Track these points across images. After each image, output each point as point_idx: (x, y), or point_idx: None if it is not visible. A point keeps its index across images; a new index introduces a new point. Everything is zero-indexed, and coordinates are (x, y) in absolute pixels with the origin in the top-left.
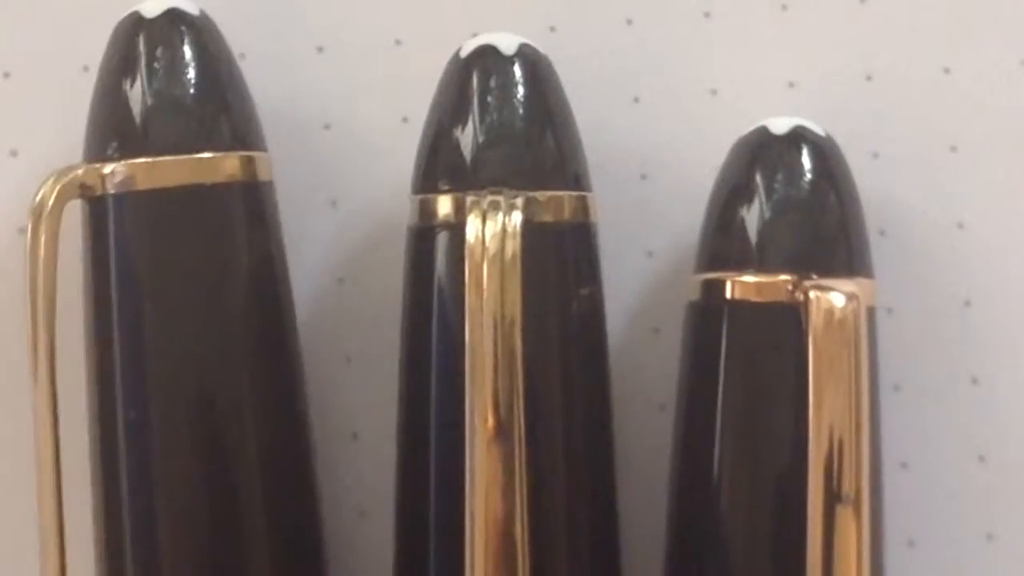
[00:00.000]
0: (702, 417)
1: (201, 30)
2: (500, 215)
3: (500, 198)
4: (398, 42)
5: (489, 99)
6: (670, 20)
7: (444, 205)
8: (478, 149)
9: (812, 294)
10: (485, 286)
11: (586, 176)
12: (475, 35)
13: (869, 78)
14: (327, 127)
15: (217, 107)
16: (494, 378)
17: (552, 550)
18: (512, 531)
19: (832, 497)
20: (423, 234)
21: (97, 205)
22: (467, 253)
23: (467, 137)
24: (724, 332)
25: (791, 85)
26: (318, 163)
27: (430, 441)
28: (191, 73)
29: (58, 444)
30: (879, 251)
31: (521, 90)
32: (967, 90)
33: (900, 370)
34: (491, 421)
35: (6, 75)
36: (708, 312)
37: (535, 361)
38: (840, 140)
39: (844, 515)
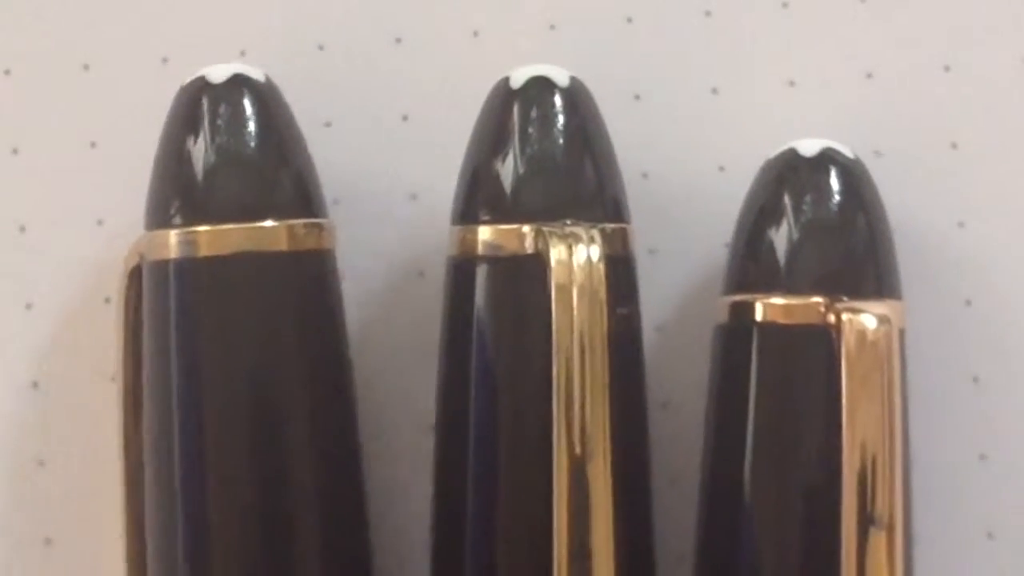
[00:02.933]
0: (732, 439)
1: (266, 97)
2: (582, 246)
3: (580, 230)
4: (398, 40)
5: (531, 130)
6: (670, 19)
7: (492, 236)
8: (521, 180)
9: (845, 316)
10: (575, 315)
11: (627, 208)
12: (475, 33)
13: (870, 76)
14: (328, 124)
15: (281, 175)
16: (581, 408)
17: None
18: (594, 551)
19: (866, 520)
20: (464, 265)
21: (158, 270)
22: (554, 283)
23: (509, 168)
24: (753, 354)
25: (791, 84)
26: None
27: (468, 466)
28: (255, 140)
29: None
30: None
31: (566, 122)
32: (968, 89)
33: None
34: (579, 449)
35: (7, 72)
36: (737, 334)
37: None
38: (841, 139)
39: (877, 539)
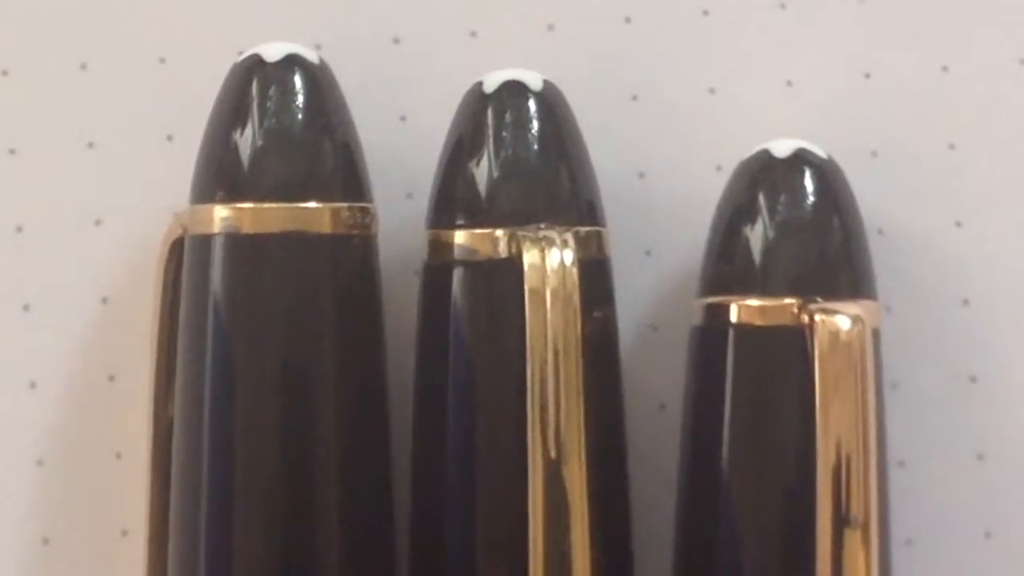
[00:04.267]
0: (709, 441)
1: (319, 79)
2: (555, 250)
3: (553, 233)
4: (396, 41)
5: (505, 134)
6: (669, 18)
7: (467, 240)
8: (494, 184)
9: (818, 317)
10: (549, 319)
11: (601, 211)
12: (473, 34)
13: (867, 76)
14: None
15: (328, 157)
16: (556, 411)
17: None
18: (569, 554)
19: (840, 519)
20: (439, 270)
21: (201, 244)
22: (527, 287)
23: (483, 172)
24: (729, 356)
25: (789, 84)
26: None
27: (446, 471)
28: (304, 120)
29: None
30: (877, 250)
31: (540, 126)
32: (966, 89)
33: (899, 369)
34: (554, 452)
35: (4, 73)
36: (712, 336)
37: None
38: (838, 139)
39: (852, 538)
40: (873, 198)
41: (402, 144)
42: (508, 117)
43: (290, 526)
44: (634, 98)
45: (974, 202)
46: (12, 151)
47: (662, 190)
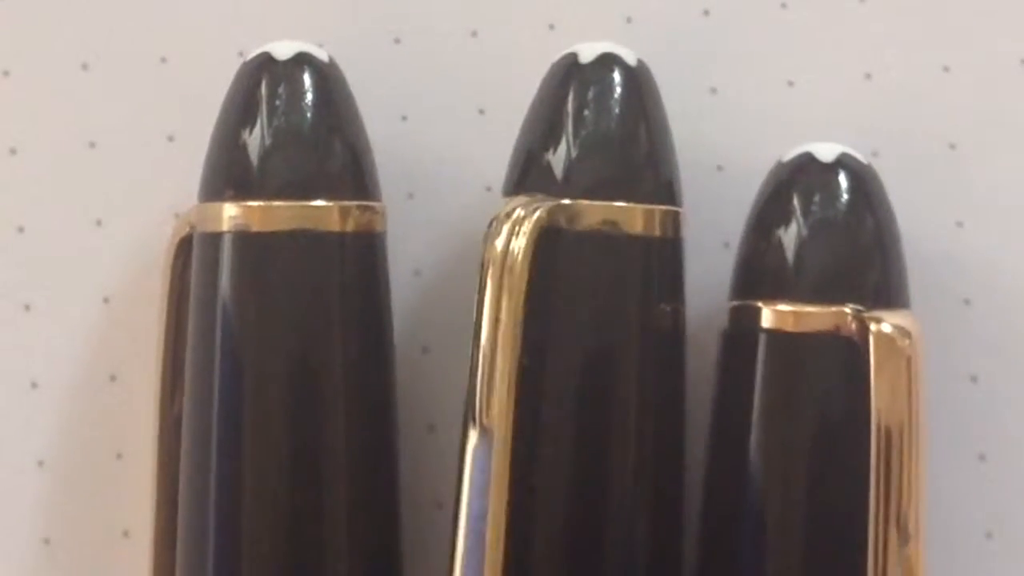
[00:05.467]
0: (735, 448)
1: (328, 77)
2: (512, 220)
3: (521, 204)
4: (397, 41)
5: (586, 112)
6: (669, 19)
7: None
8: (569, 159)
9: (873, 327)
10: (489, 290)
11: (680, 192)
12: (474, 34)
13: (868, 77)
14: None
15: (336, 155)
16: (484, 380)
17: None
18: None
19: (896, 530)
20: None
21: (209, 242)
22: (484, 255)
23: (560, 145)
24: (760, 362)
25: (790, 84)
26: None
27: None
28: (313, 119)
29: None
30: None
31: (619, 101)
32: (967, 89)
33: None
34: (485, 422)
35: (5, 73)
36: (743, 341)
37: (598, 371)
38: (839, 139)
39: (905, 553)
40: None
41: (403, 144)
42: (582, 91)
43: (298, 525)
44: None
45: (975, 202)
46: (13, 151)
47: None
